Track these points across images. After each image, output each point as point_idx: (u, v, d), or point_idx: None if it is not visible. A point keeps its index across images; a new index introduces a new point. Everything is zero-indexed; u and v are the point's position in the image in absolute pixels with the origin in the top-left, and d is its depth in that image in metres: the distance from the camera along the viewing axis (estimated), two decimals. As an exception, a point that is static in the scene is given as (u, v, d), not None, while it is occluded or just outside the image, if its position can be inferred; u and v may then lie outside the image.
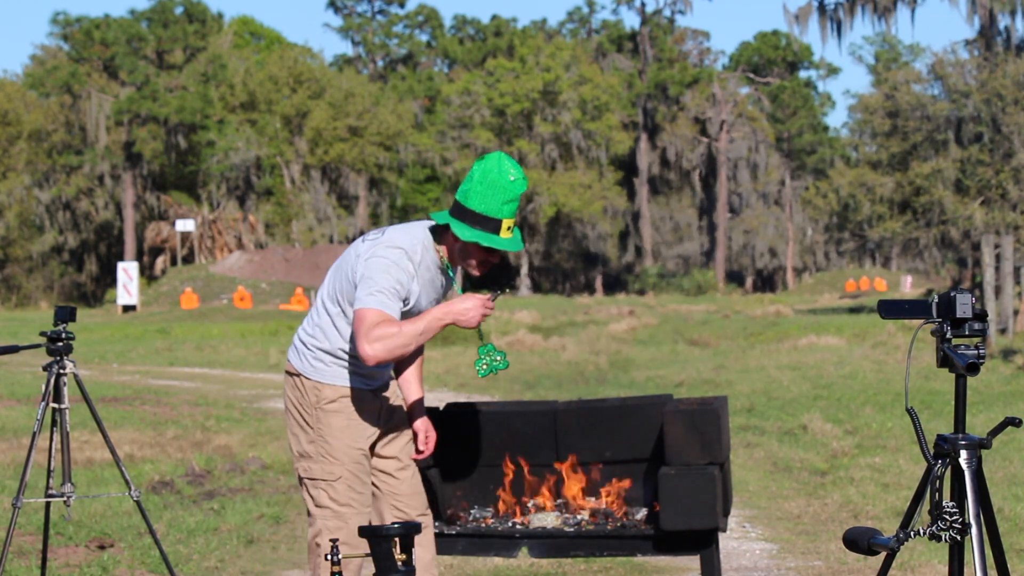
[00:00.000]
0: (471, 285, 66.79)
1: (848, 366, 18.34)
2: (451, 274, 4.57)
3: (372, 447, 4.71)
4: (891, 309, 3.73)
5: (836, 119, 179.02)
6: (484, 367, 4.55)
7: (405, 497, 4.73)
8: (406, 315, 4.43)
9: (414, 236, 4.48)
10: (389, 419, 4.74)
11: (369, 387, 4.64)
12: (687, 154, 72.88)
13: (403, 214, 66.82)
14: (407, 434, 4.82)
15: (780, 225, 74.55)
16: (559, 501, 5.40)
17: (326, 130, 59.64)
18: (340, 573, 3.68)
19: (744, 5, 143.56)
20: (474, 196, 4.42)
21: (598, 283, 70.78)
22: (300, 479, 4.63)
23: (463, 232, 4.40)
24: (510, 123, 64.31)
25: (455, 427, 5.48)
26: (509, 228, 4.46)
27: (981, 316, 3.61)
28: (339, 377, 4.56)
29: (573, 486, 5.41)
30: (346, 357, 4.56)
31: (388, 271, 4.36)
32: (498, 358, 4.56)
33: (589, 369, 20.12)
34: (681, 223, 74.03)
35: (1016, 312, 21.88)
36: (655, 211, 73.36)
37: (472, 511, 5.45)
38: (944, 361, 3.60)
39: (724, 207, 72.34)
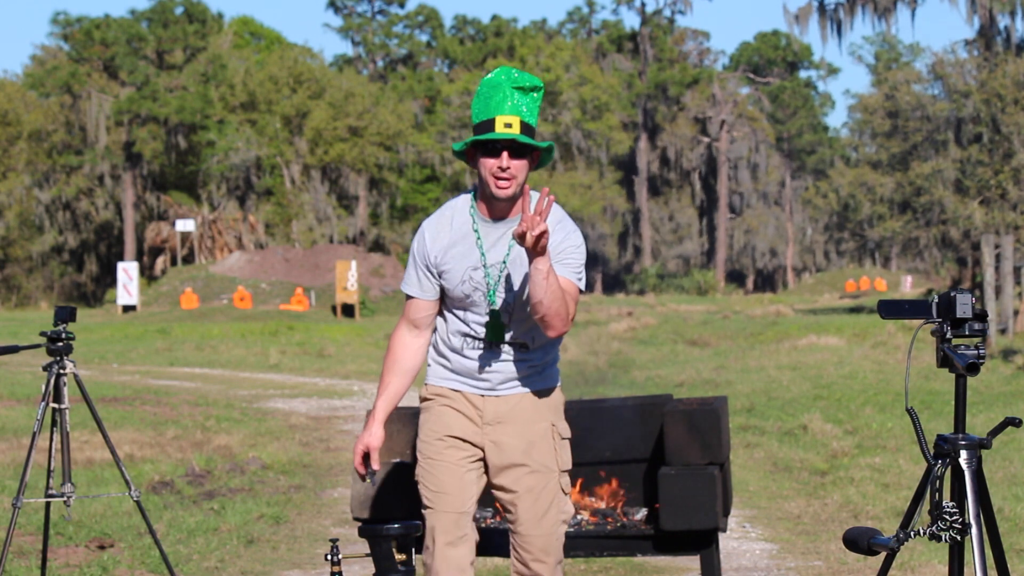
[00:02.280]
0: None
1: (848, 366, 18.34)
2: (476, 231, 4.25)
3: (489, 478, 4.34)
4: (891, 309, 3.73)
5: (836, 119, 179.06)
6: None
7: (522, 538, 4.27)
8: (446, 286, 4.27)
9: (447, 205, 4.35)
10: (494, 438, 4.30)
11: (468, 388, 4.33)
12: (687, 154, 72.89)
13: (403, 214, 66.81)
14: (525, 469, 4.28)
15: (780, 225, 74.55)
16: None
17: (326, 130, 59.62)
18: (340, 573, 3.68)
19: (744, 5, 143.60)
20: (472, 112, 4.26)
21: (598, 283, 70.78)
22: None
23: (457, 146, 4.20)
24: (510, 123, 64.27)
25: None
26: (508, 124, 4.15)
27: (981, 316, 3.61)
28: (434, 375, 4.40)
29: (572, 486, 5.41)
30: (439, 353, 4.41)
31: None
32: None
33: (589, 369, 20.12)
34: (681, 223, 74.03)
35: (1016, 312, 21.87)
36: (655, 211, 73.35)
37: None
38: (944, 361, 3.60)
39: (724, 207, 72.34)
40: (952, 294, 3.61)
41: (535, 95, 4.19)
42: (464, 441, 4.27)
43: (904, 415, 12.53)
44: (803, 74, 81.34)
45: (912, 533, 3.54)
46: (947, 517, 3.52)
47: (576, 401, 5.64)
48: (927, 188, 37.11)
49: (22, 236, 61.07)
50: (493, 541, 5.17)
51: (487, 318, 4.26)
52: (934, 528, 3.53)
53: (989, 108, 36.10)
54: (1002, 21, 43.50)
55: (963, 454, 3.58)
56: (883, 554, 3.62)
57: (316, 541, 7.85)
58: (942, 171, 36.84)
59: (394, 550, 3.57)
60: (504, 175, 4.12)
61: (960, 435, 3.61)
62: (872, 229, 40.23)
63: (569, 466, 4.32)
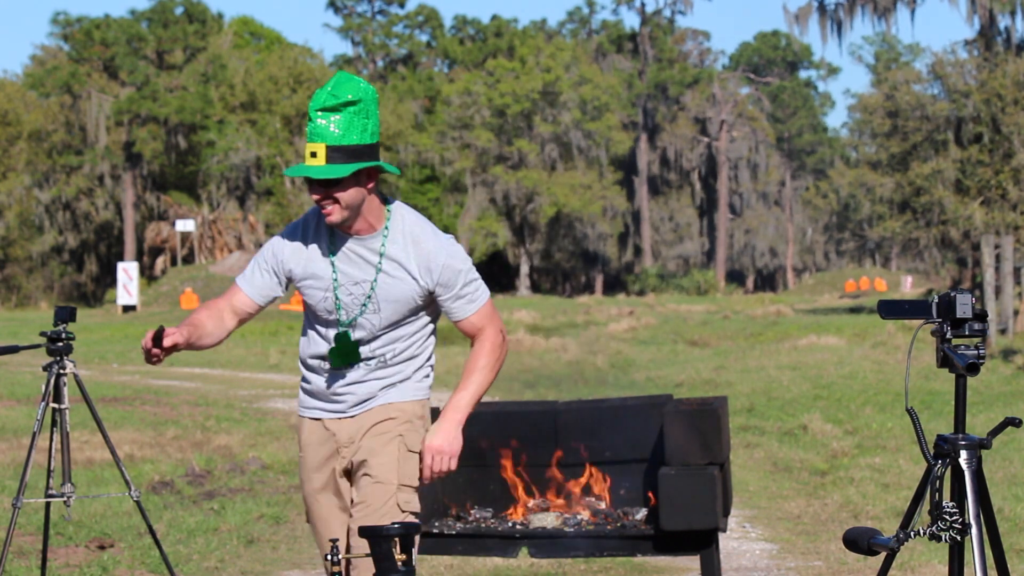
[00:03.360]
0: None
1: (848, 366, 18.33)
2: (331, 248, 4.10)
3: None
4: (891, 309, 3.73)
5: (836, 119, 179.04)
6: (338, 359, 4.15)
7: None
8: (309, 303, 4.13)
9: (304, 216, 4.20)
10: (349, 454, 4.18)
11: (326, 414, 4.19)
12: (687, 154, 72.90)
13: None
14: (368, 479, 4.14)
15: (780, 225, 74.55)
16: (559, 501, 5.40)
17: (326, 130, 59.58)
18: (340, 573, 3.68)
19: (744, 5, 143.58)
20: None
21: (598, 283, 70.76)
22: None
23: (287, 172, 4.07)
24: (510, 123, 64.30)
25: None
26: (313, 154, 3.95)
27: (981, 316, 3.61)
28: (300, 402, 4.27)
29: (573, 486, 5.41)
30: (302, 376, 4.28)
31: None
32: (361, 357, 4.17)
33: (589, 369, 20.12)
34: (681, 223, 74.02)
35: (1016, 312, 21.87)
36: (655, 211, 73.35)
37: (472, 511, 5.45)
38: (944, 361, 3.60)
39: (724, 207, 72.34)
40: (952, 294, 3.61)
41: (351, 109, 3.96)
42: (332, 490, 4.18)
43: (904, 415, 12.53)
44: (803, 74, 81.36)
45: (912, 533, 3.54)
46: (947, 517, 3.52)
47: (576, 401, 5.65)
48: (927, 188, 37.10)
49: (22, 236, 61.07)
50: (493, 541, 5.17)
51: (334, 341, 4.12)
52: (934, 528, 3.53)
53: (989, 108, 36.09)
54: (1002, 21, 43.52)
55: (963, 454, 3.58)
56: (883, 554, 3.62)
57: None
58: (942, 171, 36.82)
59: (394, 550, 3.57)
60: (322, 204, 3.99)
61: (960, 435, 3.61)
62: (872, 229, 40.25)
63: (412, 482, 4.11)
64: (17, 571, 6.95)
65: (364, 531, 3.68)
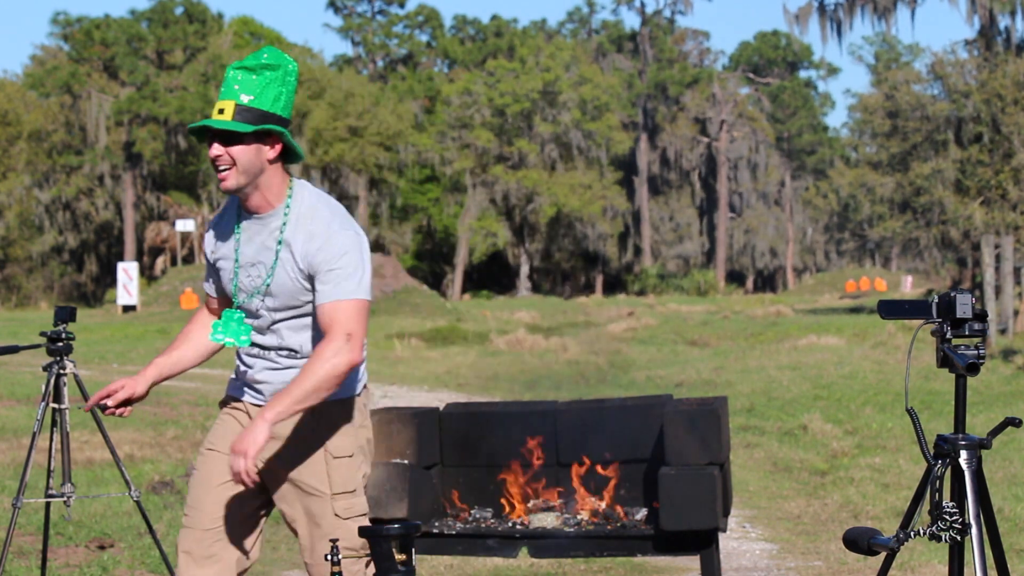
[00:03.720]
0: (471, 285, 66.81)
1: (848, 366, 18.33)
2: (237, 227, 3.99)
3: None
4: (891, 309, 3.73)
5: (836, 119, 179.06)
6: (220, 333, 4.05)
7: (308, 567, 4.08)
8: (222, 275, 4.03)
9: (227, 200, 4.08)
10: (265, 455, 4.02)
11: (248, 397, 4.12)
12: (687, 154, 72.90)
13: (403, 214, 66.83)
14: (298, 492, 4.01)
15: (780, 225, 74.54)
16: (559, 501, 5.40)
17: (326, 130, 59.63)
18: (340, 573, 3.68)
19: (744, 5, 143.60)
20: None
21: (598, 283, 70.77)
22: None
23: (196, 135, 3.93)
24: (510, 123, 64.31)
25: (455, 427, 5.48)
26: (220, 111, 3.82)
27: (981, 316, 3.61)
28: (229, 383, 4.28)
29: (573, 486, 5.42)
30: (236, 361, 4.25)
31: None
32: (243, 336, 4.04)
33: (589, 369, 20.12)
34: (681, 223, 74.03)
35: (1016, 312, 21.87)
36: (655, 211, 73.35)
37: (472, 511, 5.45)
38: (944, 361, 3.60)
39: (724, 207, 72.35)
40: (952, 294, 3.61)
41: (268, 73, 3.84)
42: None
43: (904, 415, 12.53)
44: (803, 74, 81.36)
45: (912, 533, 3.54)
46: (947, 517, 3.52)
47: (576, 401, 5.65)
48: (927, 188, 37.11)
49: (22, 236, 61.07)
50: (493, 541, 5.17)
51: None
52: (934, 528, 3.53)
53: (989, 108, 36.10)
54: (1002, 21, 43.51)
55: (963, 454, 3.58)
56: (883, 554, 3.62)
57: (316, 541, 7.84)
58: (942, 171, 36.83)
59: (394, 550, 3.57)
60: (218, 164, 3.84)
61: (960, 435, 3.61)
62: (872, 229, 40.25)
63: (349, 487, 3.95)
64: (17, 571, 6.95)
65: (364, 531, 3.68)
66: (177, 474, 10.14)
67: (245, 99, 3.82)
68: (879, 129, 40.28)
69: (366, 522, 4.01)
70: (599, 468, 5.37)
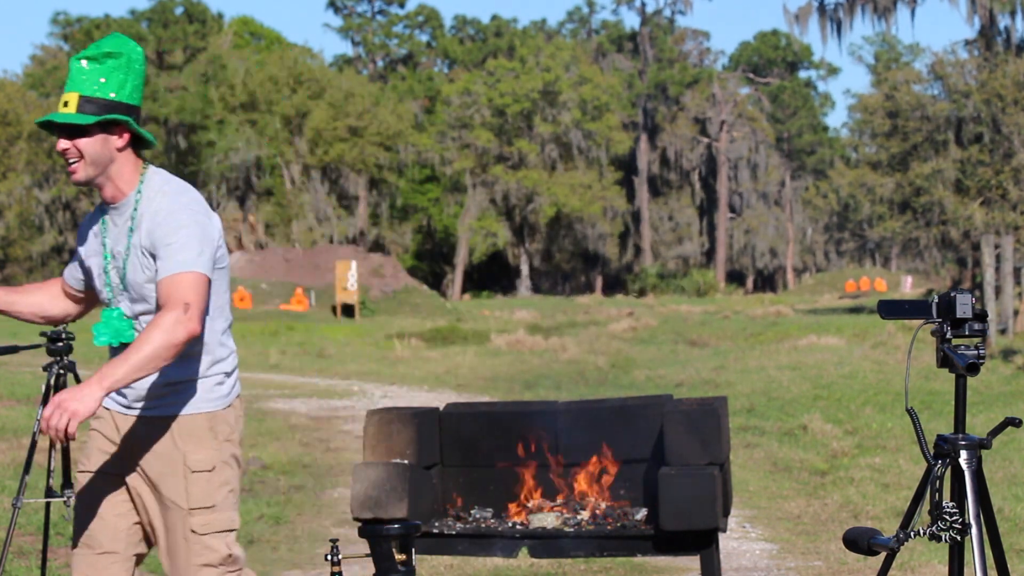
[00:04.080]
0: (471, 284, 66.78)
1: (848, 366, 18.33)
2: (103, 220, 3.92)
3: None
4: (891, 309, 3.73)
5: (836, 119, 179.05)
6: (104, 336, 3.89)
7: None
8: (93, 272, 3.96)
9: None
10: (132, 465, 3.94)
11: (113, 404, 3.96)
12: (687, 154, 72.90)
13: (403, 214, 66.83)
14: (158, 506, 3.91)
15: (780, 225, 74.55)
16: (559, 501, 5.40)
17: (326, 130, 59.63)
18: (340, 573, 3.68)
19: (744, 5, 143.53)
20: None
21: (598, 283, 70.77)
22: None
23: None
24: (510, 123, 64.32)
25: (455, 427, 5.48)
26: (65, 103, 3.76)
27: (981, 316, 3.61)
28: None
29: (573, 486, 5.42)
30: None
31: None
32: (128, 331, 3.88)
33: (589, 369, 20.12)
34: (681, 223, 74.03)
35: (1016, 312, 21.87)
36: (655, 211, 73.36)
37: (472, 511, 5.45)
38: (944, 361, 3.60)
39: (724, 207, 72.35)
40: (952, 294, 3.61)
41: (111, 61, 3.78)
42: (110, 475, 3.91)
43: (904, 415, 12.53)
44: (803, 74, 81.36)
45: (912, 533, 3.54)
46: (947, 517, 3.52)
47: (576, 401, 5.65)
48: (927, 188, 37.10)
49: (22, 236, 61.10)
50: (493, 541, 5.17)
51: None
52: (934, 528, 3.53)
53: (989, 108, 36.10)
54: (1002, 21, 43.50)
55: (963, 454, 3.58)
56: (883, 554, 3.62)
57: (316, 541, 7.85)
58: (942, 171, 36.83)
59: (394, 550, 3.57)
60: (67, 157, 3.78)
61: (960, 435, 3.61)
62: (872, 229, 40.24)
63: (207, 503, 3.82)
64: (17, 571, 6.95)
65: (364, 531, 3.68)
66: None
67: (90, 90, 3.77)
68: (879, 129, 40.26)
69: (230, 538, 3.87)
70: (599, 468, 5.37)
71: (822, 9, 46.35)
